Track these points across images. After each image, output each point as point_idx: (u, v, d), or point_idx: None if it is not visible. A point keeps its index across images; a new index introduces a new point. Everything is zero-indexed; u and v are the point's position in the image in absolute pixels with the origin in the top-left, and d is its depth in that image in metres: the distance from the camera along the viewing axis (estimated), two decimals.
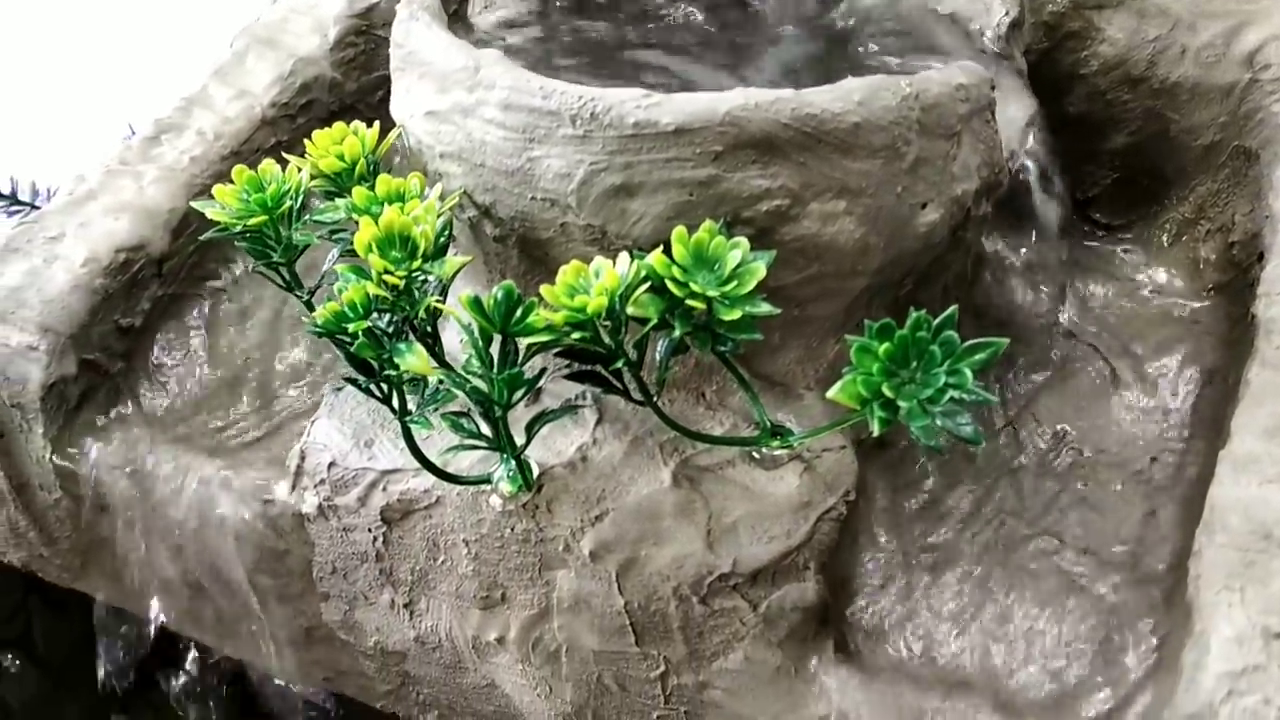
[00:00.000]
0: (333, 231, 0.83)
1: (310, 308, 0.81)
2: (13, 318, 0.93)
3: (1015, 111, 0.85)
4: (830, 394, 0.63)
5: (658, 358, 0.73)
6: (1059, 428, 0.89)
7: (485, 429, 0.73)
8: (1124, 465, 0.86)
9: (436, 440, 0.81)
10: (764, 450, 0.78)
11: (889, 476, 0.85)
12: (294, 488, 0.87)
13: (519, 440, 0.76)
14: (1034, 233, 0.89)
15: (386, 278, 0.69)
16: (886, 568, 0.81)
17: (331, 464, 0.85)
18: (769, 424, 0.78)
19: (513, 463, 0.78)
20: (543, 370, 0.73)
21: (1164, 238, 0.98)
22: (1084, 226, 0.99)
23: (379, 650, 0.91)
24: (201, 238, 0.84)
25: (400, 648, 0.90)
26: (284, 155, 0.80)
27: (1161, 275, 0.96)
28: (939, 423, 0.65)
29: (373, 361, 0.72)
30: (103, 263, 0.94)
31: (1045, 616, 0.78)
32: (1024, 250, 0.89)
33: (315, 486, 0.86)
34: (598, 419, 0.81)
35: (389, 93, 0.88)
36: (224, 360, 0.99)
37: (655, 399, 0.74)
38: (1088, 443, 0.88)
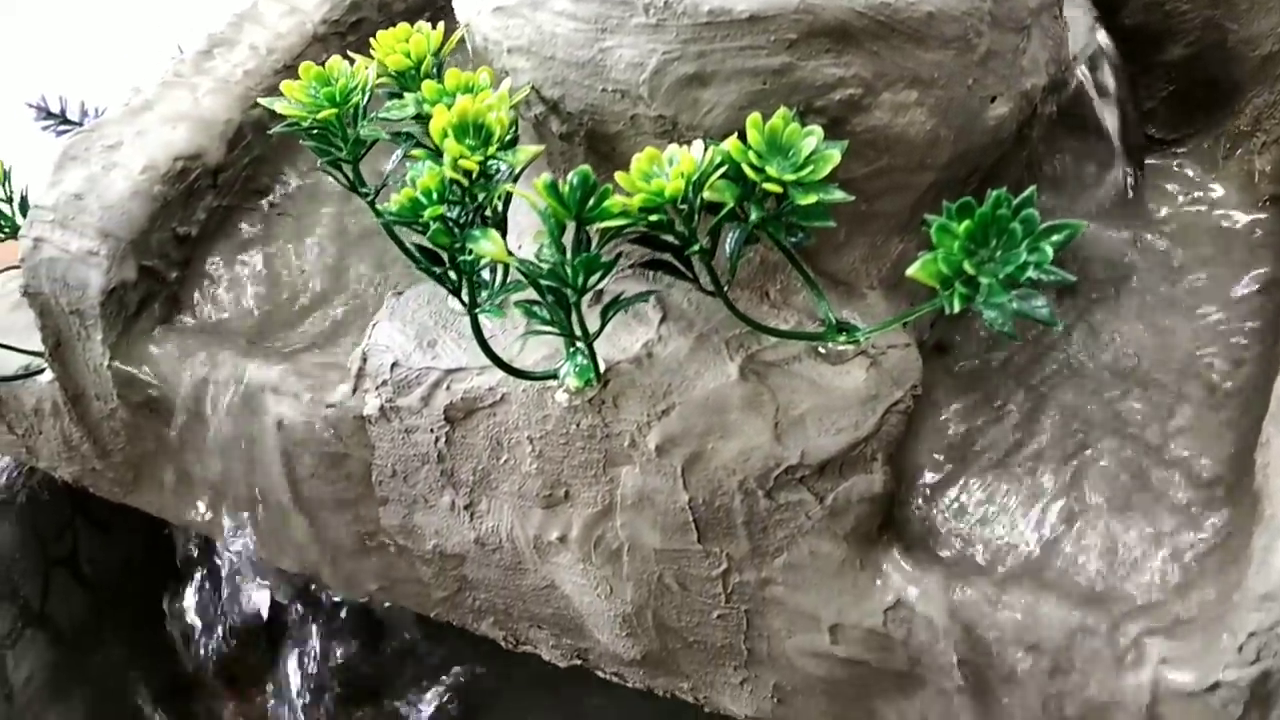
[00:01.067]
0: (395, 134, 0.83)
1: (374, 209, 0.82)
2: (73, 223, 0.93)
3: (1078, 13, 0.85)
4: (910, 272, 0.64)
5: (728, 249, 0.74)
6: (1117, 336, 0.89)
7: (558, 316, 0.74)
8: (1184, 371, 0.86)
9: (501, 340, 0.82)
10: (830, 345, 0.78)
11: (948, 380, 0.85)
12: (355, 390, 0.88)
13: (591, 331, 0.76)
14: (1093, 139, 0.89)
15: (461, 163, 0.70)
16: (948, 466, 0.82)
17: (394, 364, 0.85)
18: (834, 320, 0.78)
19: (580, 357, 0.78)
20: (618, 255, 0.73)
21: (1220, 151, 0.98)
22: (1141, 139, 0.99)
23: (437, 554, 0.92)
24: (271, 131, 0.84)
25: (459, 550, 0.91)
26: (349, 54, 0.80)
27: (1218, 188, 0.97)
28: (1015, 305, 0.65)
29: (445, 250, 0.73)
30: (161, 170, 0.95)
31: (1108, 511, 0.79)
32: (1083, 157, 0.90)
33: (377, 388, 0.87)
34: (662, 317, 0.81)
35: (437, 13, 0.89)
36: (279, 272, 0.99)
37: (725, 290, 0.74)
38: (1146, 351, 0.88)
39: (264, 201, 1.02)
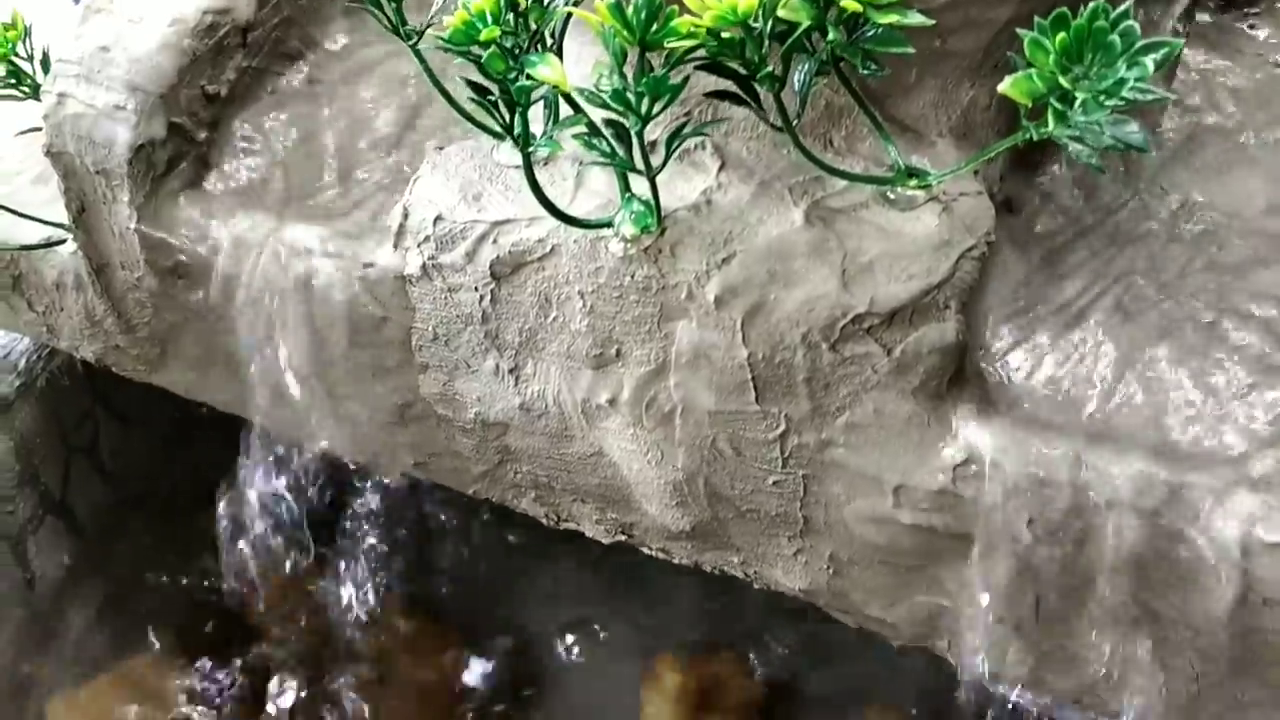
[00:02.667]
0: None
1: (416, 53, 0.78)
2: (99, 77, 0.89)
3: None
4: (1001, 88, 0.60)
5: (798, 82, 0.70)
6: (1188, 197, 0.85)
7: (618, 150, 0.70)
8: (1258, 231, 0.83)
9: (551, 192, 0.78)
10: (899, 191, 0.75)
11: (1017, 239, 0.82)
12: (396, 248, 0.84)
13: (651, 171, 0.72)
14: None
15: None
16: (1018, 323, 0.78)
17: (438, 218, 0.82)
18: (903, 165, 0.74)
19: (636, 204, 0.75)
20: (685, 79, 0.69)
21: None
22: (1209, 2, 0.95)
23: (479, 423, 0.89)
24: None
25: (503, 418, 0.87)
26: None
27: None
28: (1109, 132, 0.62)
29: (499, 80, 0.69)
30: (190, 23, 0.91)
31: (1185, 367, 0.75)
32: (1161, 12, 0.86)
33: (419, 245, 0.83)
34: (721, 165, 0.77)
35: None
36: (310, 134, 0.95)
37: (795, 125, 0.70)
38: (1218, 211, 0.84)
39: (294, 66, 0.98)
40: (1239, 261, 0.81)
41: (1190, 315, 0.79)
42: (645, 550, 0.92)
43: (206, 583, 1.22)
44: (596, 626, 1.20)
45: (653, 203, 0.74)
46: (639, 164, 0.70)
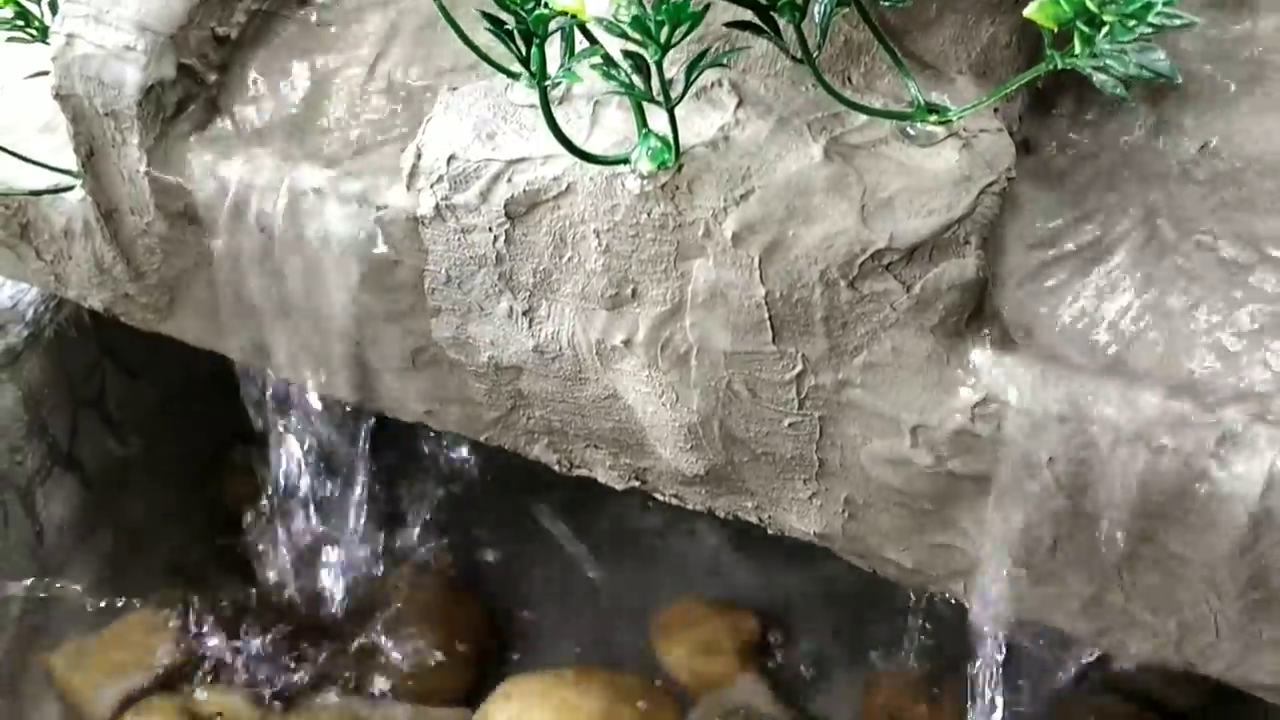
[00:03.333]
0: None
1: None
2: (108, 17, 0.88)
3: None
4: (1027, 13, 0.59)
5: (819, 14, 0.69)
6: (1205, 138, 0.84)
7: (637, 82, 0.69)
8: (1277, 171, 0.82)
9: (566, 131, 0.77)
10: (919, 127, 0.74)
11: (1036, 179, 0.81)
12: (409, 189, 0.84)
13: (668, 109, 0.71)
14: None
15: None
16: (1037, 261, 0.78)
17: (451, 158, 0.81)
18: (923, 101, 0.74)
19: (653, 139, 0.74)
20: (705, 8, 0.68)
21: None
22: None
23: (492, 367, 0.88)
24: None
25: (516, 361, 0.87)
26: None
27: None
28: (1134, 60, 0.61)
29: (515, 9, 0.68)
30: None
31: (1204, 305, 0.75)
32: None
33: (432, 186, 0.82)
34: (738, 102, 0.77)
35: None
36: (321, 77, 0.94)
37: (815, 58, 0.70)
38: (1236, 152, 0.83)
39: (304, 9, 0.97)
40: (1260, 202, 0.81)
41: (1210, 254, 0.78)
42: (658, 496, 0.92)
43: (216, 538, 1.22)
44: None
45: (670, 138, 0.73)
46: (657, 95, 0.69)
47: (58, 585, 1.12)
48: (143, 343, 1.21)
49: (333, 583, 1.15)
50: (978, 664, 0.91)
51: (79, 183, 0.97)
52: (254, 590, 1.17)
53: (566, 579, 1.21)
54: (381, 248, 0.86)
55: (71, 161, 0.96)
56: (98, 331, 1.18)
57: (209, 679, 1.11)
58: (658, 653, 1.15)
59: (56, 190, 0.99)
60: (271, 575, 1.16)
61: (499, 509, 1.24)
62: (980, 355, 0.74)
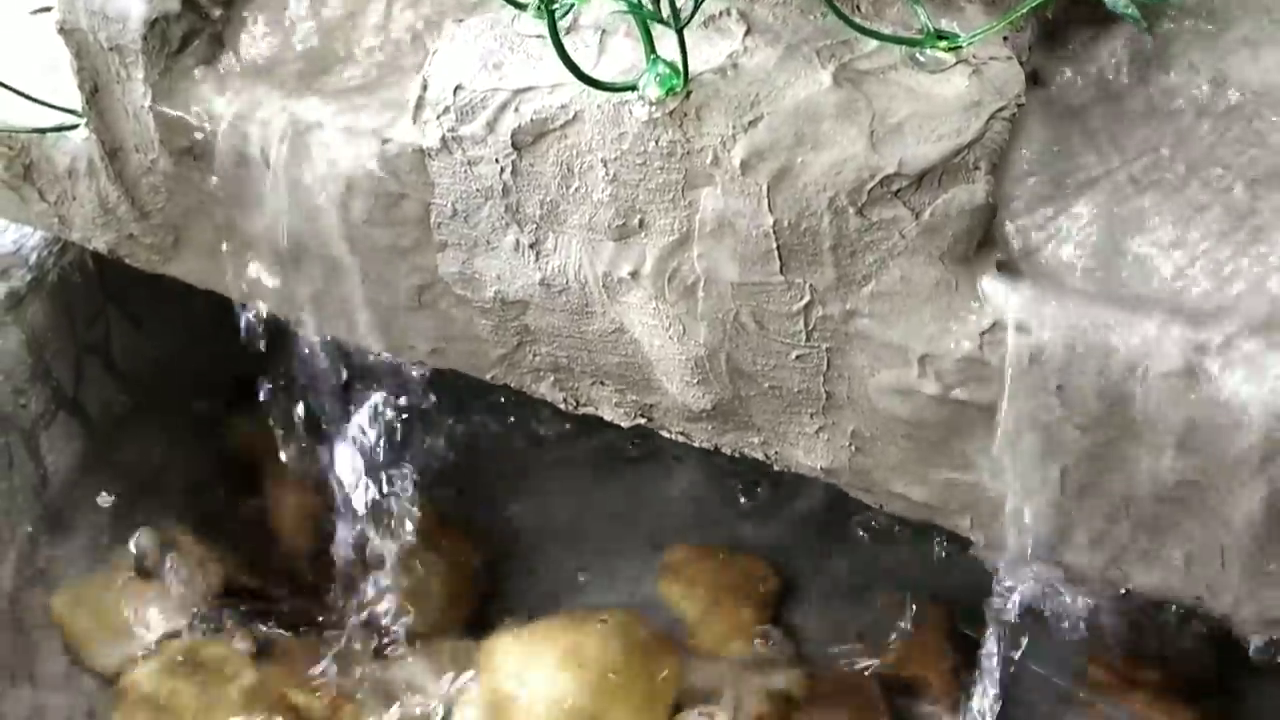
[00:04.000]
0: None
1: None
2: None
3: None
4: None
5: None
6: (1216, 73, 0.84)
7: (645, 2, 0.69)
8: None
9: (574, 60, 0.76)
10: (928, 53, 0.74)
11: (1045, 110, 0.80)
12: (414, 121, 0.83)
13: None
14: None
15: None
16: (1045, 190, 0.77)
17: (458, 88, 0.81)
18: (932, 27, 0.73)
19: (661, 65, 0.74)
20: None
21: None
22: None
23: (498, 302, 0.88)
24: None
25: (522, 296, 0.87)
26: None
27: None
28: None
29: None
30: None
31: (1216, 234, 0.74)
32: None
33: (438, 117, 0.82)
34: (746, 30, 0.77)
35: None
36: (326, 9, 0.94)
37: None
38: (1249, 87, 0.83)
39: None
40: (1270, 137, 0.80)
41: (1221, 187, 0.78)
42: (665, 434, 0.92)
43: (220, 485, 1.22)
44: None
45: (679, 64, 0.73)
46: (666, 14, 0.68)
47: (62, 528, 1.12)
48: (147, 290, 1.21)
49: (334, 526, 1.15)
50: (988, 609, 0.90)
51: (83, 121, 0.97)
52: (257, 535, 1.17)
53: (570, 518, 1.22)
54: (387, 182, 0.86)
55: (76, 101, 0.95)
56: (102, 278, 1.18)
57: (210, 625, 1.11)
58: (662, 596, 1.16)
59: (60, 129, 0.98)
60: (275, 520, 1.16)
61: (501, 446, 1.24)
62: (989, 282, 0.74)
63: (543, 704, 1.02)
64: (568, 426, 1.22)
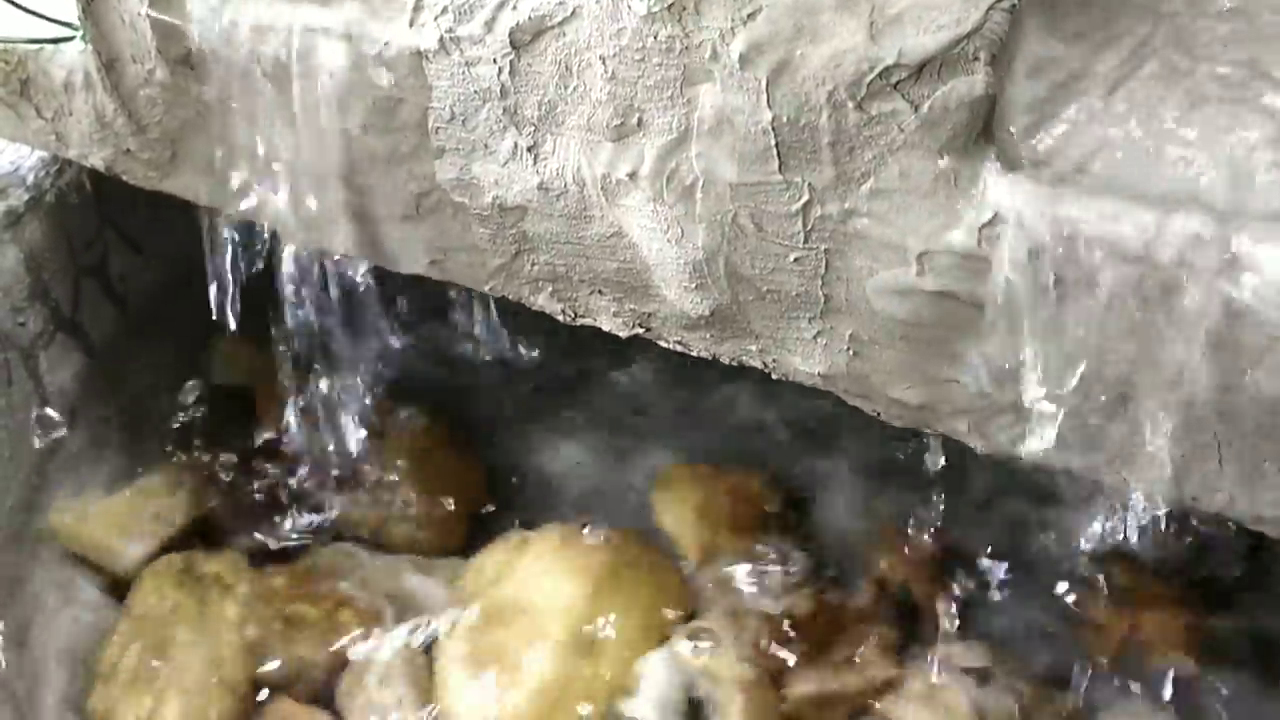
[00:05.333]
0: None
1: None
2: None
3: None
4: None
5: None
6: None
7: None
8: None
9: None
10: None
11: (1045, 5, 0.80)
12: (412, 24, 0.83)
13: None
14: None
15: None
16: (1046, 84, 0.77)
17: None
18: None
19: None
20: None
21: None
22: None
23: (496, 208, 0.88)
24: None
25: (521, 201, 0.86)
26: None
27: None
28: None
29: None
30: None
31: (1222, 132, 0.74)
32: None
33: (436, 18, 0.82)
34: None
35: None
36: None
37: None
38: None
39: None
40: (1269, 35, 0.80)
41: (1221, 83, 0.77)
42: (662, 344, 0.92)
43: (218, 407, 1.22)
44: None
45: None
46: None
47: (62, 447, 1.12)
48: (144, 214, 1.21)
49: (333, 442, 1.15)
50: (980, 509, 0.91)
51: (80, 33, 0.96)
52: (254, 454, 1.17)
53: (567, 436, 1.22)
54: (384, 86, 0.85)
55: (72, 13, 0.95)
56: (99, 201, 1.18)
57: (209, 541, 1.12)
58: (657, 514, 1.16)
59: (57, 40, 0.98)
60: (272, 439, 1.16)
61: (501, 364, 1.24)
62: (987, 176, 0.74)
63: (540, 612, 1.03)
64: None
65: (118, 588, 1.07)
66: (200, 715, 0.98)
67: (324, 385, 1.14)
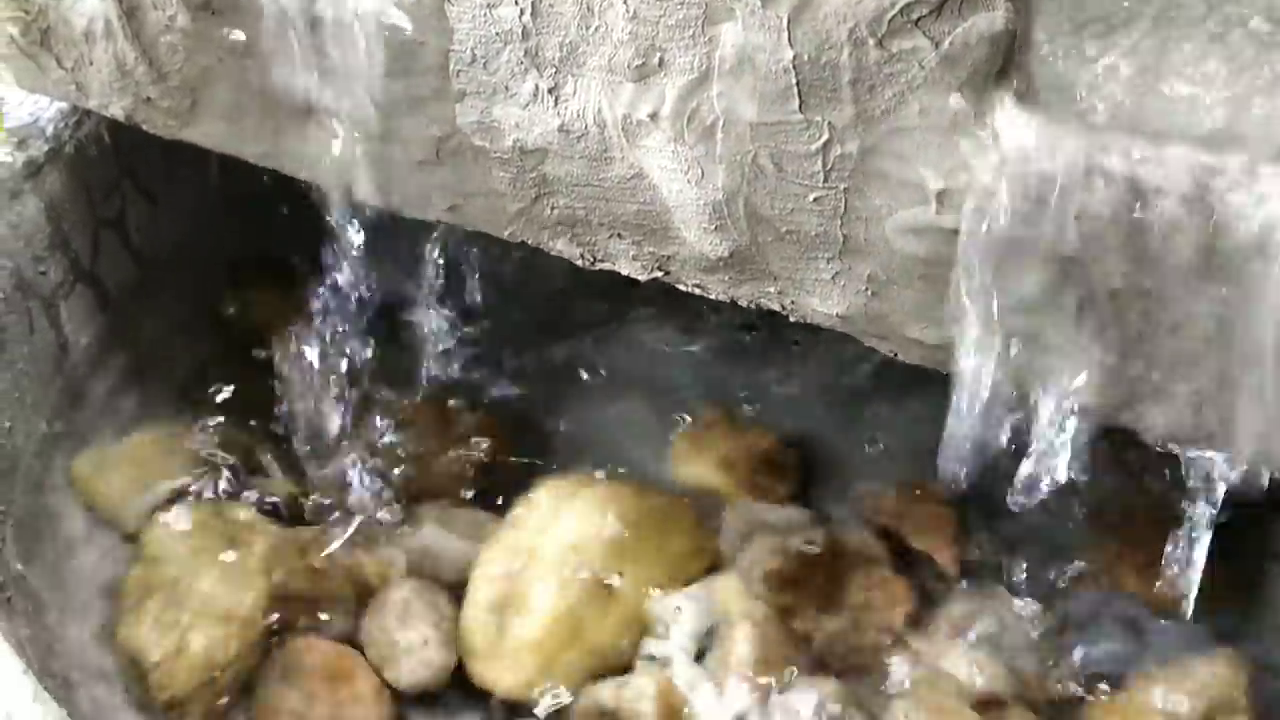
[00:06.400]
0: None
1: None
2: None
3: None
4: None
5: None
6: None
7: None
8: None
9: None
10: None
11: None
12: None
13: None
14: None
15: None
16: (1065, 22, 0.78)
17: None
18: None
19: None
20: None
21: None
22: None
23: (516, 152, 0.89)
24: None
25: (541, 143, 0.87)
26: None
27: None
28: None
29: None
30: None
31: (1232, 67, 0.75)
32: None
33: None
34: None
35: None
36: None
37: None
38: None
39: None
40: None
41: (1240, 24, 0.78)
42: (681, 286, 0.93)
43: (235, 359, 1.23)
44: None
45: None
46: None
47: (83, 395, 1.14)
48: (162, 165, 1.21)
49: (352, 395, 1.17)
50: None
51: None
52: (273, 406, 1.18)
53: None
54: (406, 29, 0.86)
55: None
56: (118, 153, 1.18)
57: (226, 492, 1.13)
58: (675, 468, 1.17)
59: None
60: (288, 393, 1.18)
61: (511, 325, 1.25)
62: (1007, 113, 0.74)
63: (560, 557, 1.04)
64: None
65: (138, 532, 1.08)
66: (224, 651, 0.99)
67: (340, 336, 1.15)
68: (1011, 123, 0.74)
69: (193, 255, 1.27)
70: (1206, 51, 0.76)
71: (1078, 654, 1.05)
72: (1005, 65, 0.75)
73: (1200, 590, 0.94)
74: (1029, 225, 0.75)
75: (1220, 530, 0.89)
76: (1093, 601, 1.09)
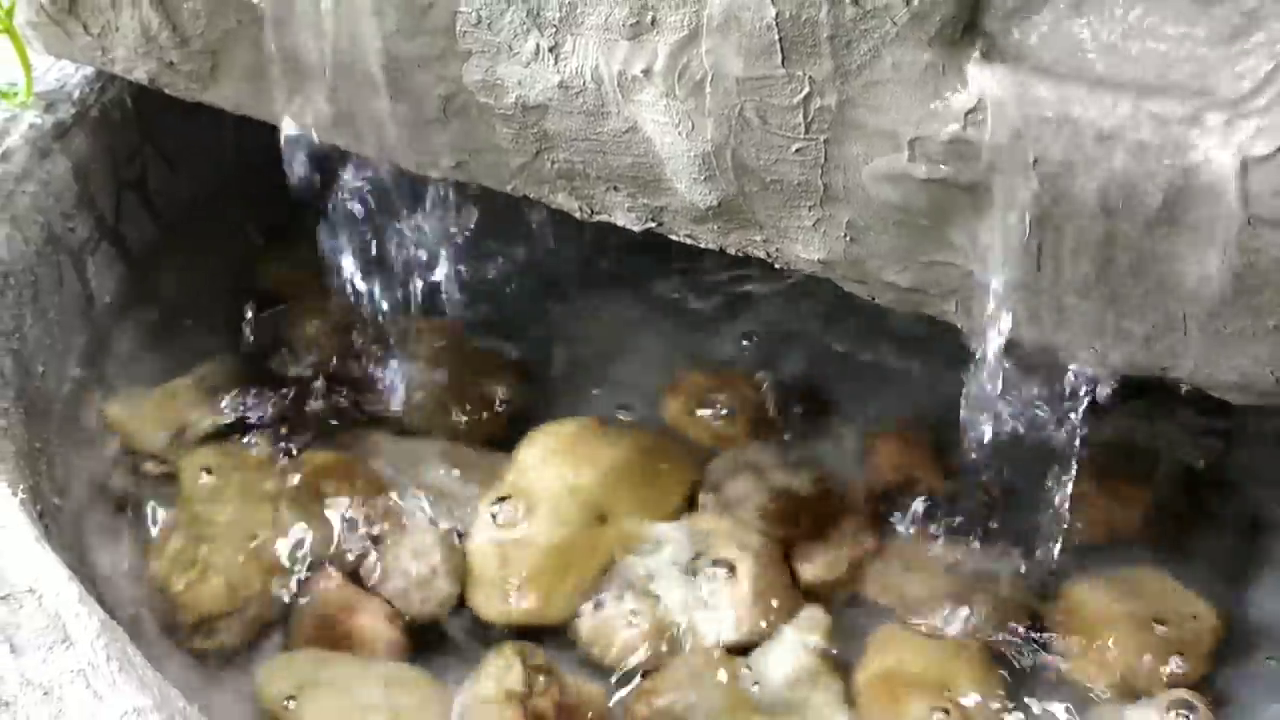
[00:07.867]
0: None
1: None
2: None
3: None
4: None
5: None
6: None
7: None
8: None
9: None
10: None
11: None
12: None
13: None
14: None
15: None
16: None
17: None
18: None
19: None
20: None
21: None
22: None
23: (519, 108, 0.94)
24: None
25: (542, 100, 0.93)
26: None
27: None
28: None
29: None
30: None
31: (1190, 17, 0.79)
32: None
33: None
34: None
35: None
36: None
37: None
38: None
39: None
40: None
41: None
42: (673, 237, 0.98)
43: (252, 314, 1.29)
44: None
45: None
46: None
47: (108, 345, 1.20)
48: (182, 132, 1.28)
49: (365, 352, 1.23)
50: (968, 392, 0.97)
51: None
52: (286, 355, 1.24)
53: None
54: None
55: None
56: (139, 118, 1.24)
57: (247, 439, 1.19)
58: (667, 415, 1.23)
59: None
60: (301, 345, 1.24)
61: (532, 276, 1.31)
62: (973, 65, 0.80)
63: (557, 495, 1.11)
64: None
65: (164, 473, 1.15)
66: (243, 587, 1.05)
67: (356, 292, 1.21)
68: (976, 75, 0.80)
69: (209, 215, 1.33)
70: (1149, 8, 0.81)
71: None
72: (971, 22, 0.81)
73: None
74: (996, 172, 0.81)
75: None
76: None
